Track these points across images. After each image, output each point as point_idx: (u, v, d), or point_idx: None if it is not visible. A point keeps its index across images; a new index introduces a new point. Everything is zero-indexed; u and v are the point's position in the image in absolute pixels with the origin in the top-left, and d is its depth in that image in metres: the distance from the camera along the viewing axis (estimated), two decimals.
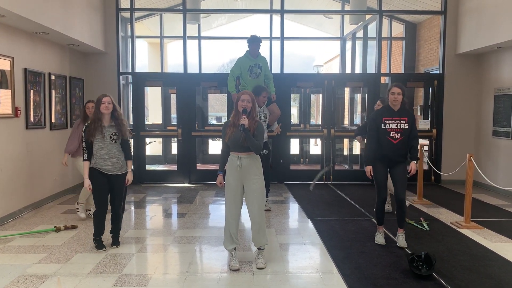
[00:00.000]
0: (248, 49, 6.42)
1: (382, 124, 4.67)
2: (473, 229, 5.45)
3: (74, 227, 5.50)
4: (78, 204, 5.90)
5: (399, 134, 4.63)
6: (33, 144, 6.48)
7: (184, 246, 4.84)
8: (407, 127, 4.63)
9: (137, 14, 10.09)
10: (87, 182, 4.54)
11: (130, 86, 9.09)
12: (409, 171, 4.73)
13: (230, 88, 6.45)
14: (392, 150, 4.67)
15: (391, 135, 4.64)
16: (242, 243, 4.83)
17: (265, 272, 4.06)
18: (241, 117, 4.03)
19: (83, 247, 4.76)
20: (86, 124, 4.61)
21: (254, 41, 6.35)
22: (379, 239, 4.92)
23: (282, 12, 8.71)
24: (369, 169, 4.79)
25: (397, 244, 4.80)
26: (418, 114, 11.31)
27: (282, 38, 8.72)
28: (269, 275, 4.01)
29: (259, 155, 4.21)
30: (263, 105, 6.12)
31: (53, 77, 7.10)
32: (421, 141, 9.86)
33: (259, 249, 4.23)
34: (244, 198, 4.21)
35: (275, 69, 8.80)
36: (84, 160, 4.56)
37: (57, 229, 5.34)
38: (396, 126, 4.63)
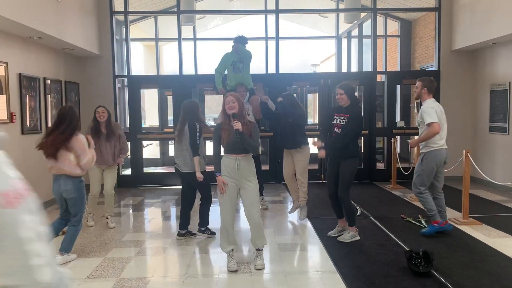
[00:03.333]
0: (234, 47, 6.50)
1: (334, 119, 4.92)
2: (472, 225, 5.45)
3: None
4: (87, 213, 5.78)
5: (340, 129, 4.83)
6: (29, 149, 6.44)
7: (182, 249, 4.83)
8: (345, 122, 4.81)
9: (131, 17, 10.07)
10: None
11: (126, 89, 9.07)
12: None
13: (217, 84, 6.55)
14: (332, 143, 4.91)
15: (334, 129, 4.88)
16: (239, 244, 4.82)
17: (263, 272, 4.06)
18: (233, 122, 4.01)
19: (81, 251, 4.74)
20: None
21: (240, 41, 6.43)
22: (330, 232, 5.18)
23: (277, 12, 8.70)
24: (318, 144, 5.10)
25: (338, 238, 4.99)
26: (415, 111, 11.32)
27: (277, 38, 8.71)
28: (268, 275, 4.01)
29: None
30: (243, 100, 6.16)
31: (48, 81, 7.08)
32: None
33: (257, 249, 4.23)
34: (240, 200, 4.21)
35: (271, 69, 8.80)
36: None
37: None
38: (339, 122, 4.85)
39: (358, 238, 4.94)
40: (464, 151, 5.59)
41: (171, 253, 4.71)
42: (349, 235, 4.91)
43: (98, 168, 5.66)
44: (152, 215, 6.55)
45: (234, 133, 4.00)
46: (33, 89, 6.61)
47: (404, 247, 4.68)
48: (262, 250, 4.25)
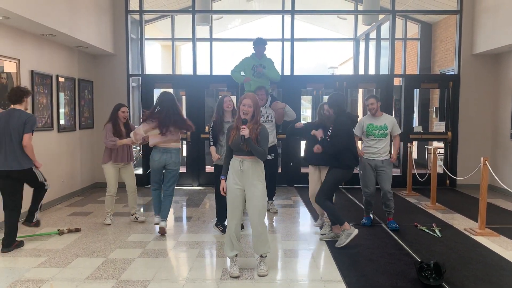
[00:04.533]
0: (254, 51, 6.43)
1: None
2: (488, 236, 5.21)
3: (77, 230, 5.45)
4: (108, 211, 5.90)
5: (328, 138, 4.99)
6: (40, 146, 6.44)
7: (186, 251, 4.73)
8: (330, 130, 4.92)
9: (148, 17, 10.08)
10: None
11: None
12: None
13: (238, 80, 6.53)
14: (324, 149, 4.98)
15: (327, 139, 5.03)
16: (244, 248, 4.70)
17: (266, 280, 3.92)
18: (241, 127, 3.90)
19: (84, 250, 4.70)
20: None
21: (259, 43, 6.38)
22: (322, 236, 5.22)
23: (292, 12, 8.57)
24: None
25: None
26: (434, 116, 11.04)
27: (292, 39, 8.58)
28: (271, 283, 3.87)
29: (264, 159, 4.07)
30: (264, 103, 6.02)
31: (61, 79, 7.09)
32: (435, 144, 9.61)
33: (261, 256, 4.10)
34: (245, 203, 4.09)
35: (287, 71, 8.67)
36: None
37: (61, 232, 5.30)
38: (328, 132, 4.98)
39: (355, 232, 4.80)
40: (482, 158, 5.35)
41: (175, 256, 4.62)
42: (344, 234, 4.77)
43: (115, 166, 5.74)
44: None
45: (239, 139, 3.90)
46: (46, 86, 6.62)
47: (416, 257, 4.49)
48: (265, 256, 4.12)
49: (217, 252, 4.72)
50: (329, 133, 4.93)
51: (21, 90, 4.79)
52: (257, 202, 3.97)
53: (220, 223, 5.37)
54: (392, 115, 8.70)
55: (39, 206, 5.23)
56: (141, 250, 4.75)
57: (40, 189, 5.11)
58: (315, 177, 5.37)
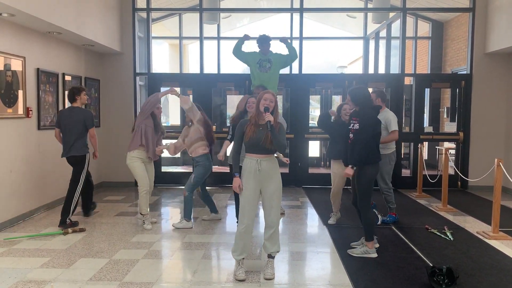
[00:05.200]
0: (259, 49, 6.34)
1: (350, 125, 4.66)
2: (502, 240, 5.05)
3: (82, 230, 5.38)
4: (143, 215, 5.62)
5: (352, 135, 4.55)
6: (45, 144, 6.41)
7: (191, 253, 4.64)
8: (357, 127, 4.48)
9: (156, 15, 10.01)
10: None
11: None
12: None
13: (239, 52, 6.45)
14: (348, 149, 4.61)
15: (349, 134, 4.61)
16: (250, 250, 4.59)
17: (272, 283, 3.82)
18: (264, 115, 3.80)
19: (88, 251, 4.63)
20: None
21: (263, 41, 6.26)
22: (354, 243, 4.90)
23: (301, 11, 8.45)
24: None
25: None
26: (445, 116, 10.85)
27: (300, 38, 8.46)
28: (277, 286, 3.77)
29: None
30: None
31: (67, 77, 7.04)
32: (447, 144, 9.43)
33: (269, 256, 4.00)
34: (260, 201, 3.99)
35: (294, 70, 8.56)
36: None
37: (65, 232, 5.24)
38: (352, 126, 4.56)
39: (373, 255, 4.46)
40: (496, 160, 5.20)
41: (179, 257, 4.53)
42: (361, 250, 4.51)
43: (142, 161, 5.58)
44: (166, 215, 6.41)
45: (260, 129, 3.81)
46: (52, 85, 6.57)
47: (427, 261, 4.35)
48: (273, 258, 4.02)
49: (222, 254, 4.63)
50: (353, 127, 4.50)
51: (72, 90, 5.60)
52: (274, 199, 3.89)
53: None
54: (402, 115, 8.59)
55: (72, 209, 5.53)
56: (146, 251, 4.67)
57: (72, 187, 5.57)
58: (339, 172, 5.36)
